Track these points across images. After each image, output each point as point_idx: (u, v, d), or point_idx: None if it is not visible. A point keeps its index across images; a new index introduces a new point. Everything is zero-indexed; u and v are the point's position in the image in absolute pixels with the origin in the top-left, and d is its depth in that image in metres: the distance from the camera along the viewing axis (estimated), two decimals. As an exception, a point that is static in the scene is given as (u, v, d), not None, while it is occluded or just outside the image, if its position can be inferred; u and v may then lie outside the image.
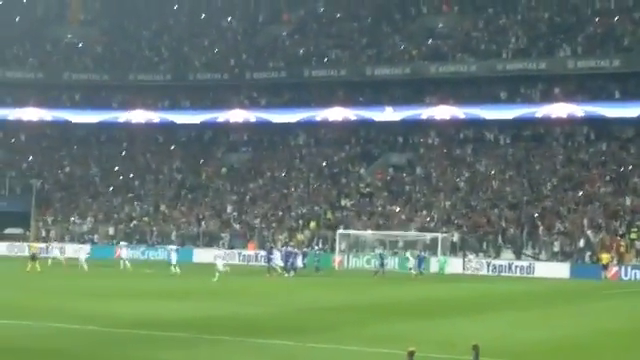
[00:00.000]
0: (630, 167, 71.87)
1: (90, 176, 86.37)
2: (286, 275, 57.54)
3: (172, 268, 56.48)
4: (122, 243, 65.54)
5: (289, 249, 63.38)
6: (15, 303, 37.67)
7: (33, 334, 29.19)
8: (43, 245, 65.68)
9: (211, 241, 74.00)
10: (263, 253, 63.14)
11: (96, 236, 76.57)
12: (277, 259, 59.51)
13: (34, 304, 37.61)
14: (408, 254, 62.49)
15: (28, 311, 34.78)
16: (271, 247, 63.37)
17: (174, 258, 57.74)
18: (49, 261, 61.86)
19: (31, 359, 24.24)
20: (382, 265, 60.36)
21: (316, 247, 68.87)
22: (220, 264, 53.84)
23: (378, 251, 63.69)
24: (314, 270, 61.68)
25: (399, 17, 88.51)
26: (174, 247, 62.05)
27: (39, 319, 32.47)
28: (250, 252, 68.81)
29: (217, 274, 51.56)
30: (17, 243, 74.44)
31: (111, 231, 76.59)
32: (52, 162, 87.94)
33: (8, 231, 76.11)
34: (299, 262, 61.88)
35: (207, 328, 31.09)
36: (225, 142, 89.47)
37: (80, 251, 62.24)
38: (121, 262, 60.69)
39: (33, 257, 57.17)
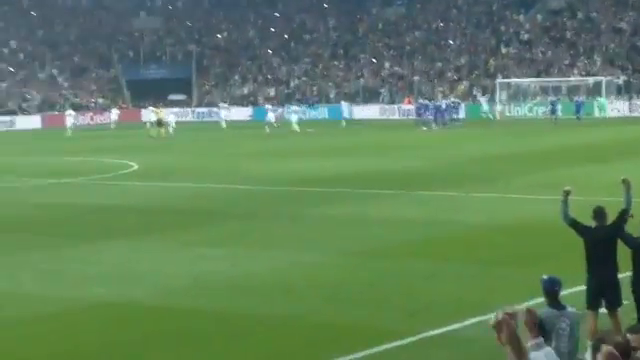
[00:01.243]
0: None
1: (248, 39, 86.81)
2: (434, 128, 57.45)
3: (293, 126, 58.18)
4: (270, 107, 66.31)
5: (449, 101, 63.35)
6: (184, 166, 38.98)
7: (201, 195, 30.46)
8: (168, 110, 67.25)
9: (370, 97, 74.37)
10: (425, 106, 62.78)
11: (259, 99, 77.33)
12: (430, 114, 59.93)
13: (211, 166, 38.93)
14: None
15: (201, 174, 36.08)
16: (421, 102, 63.28)
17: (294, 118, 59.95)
18: (223, 124, 63.50)
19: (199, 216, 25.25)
20: (553, 112, 59.97)
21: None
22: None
23: (550, 98, 63.18)
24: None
25: None
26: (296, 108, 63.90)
27: (216, 181, 33.75)
28: (409, 106, 68.49)
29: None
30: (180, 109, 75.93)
31: (272, 92, 77.41)
32: (209, 27, 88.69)
33: (171, 97, 77.39)
34: (460, 114, 62.00)
35: (370, 183, 31.65)
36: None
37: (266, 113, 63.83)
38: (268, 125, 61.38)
39: (159, 123, 58.51)
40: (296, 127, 59.02)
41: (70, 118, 62.64)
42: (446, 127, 58.64)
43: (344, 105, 65.82)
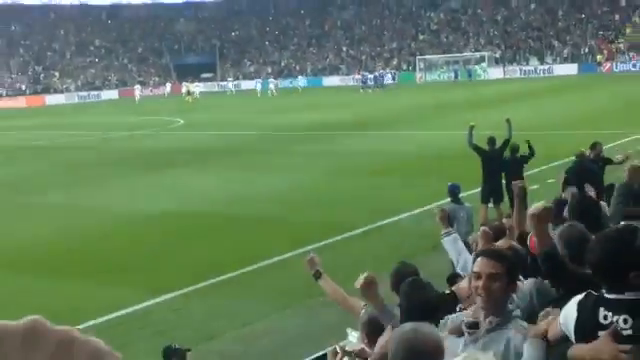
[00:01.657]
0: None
1: (252, 35, 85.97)
2: (370, 91, 57.13)
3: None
4: (271, 80, 65.77)
5: (382, 72, 63.54)
6: (214, 120, 38.91)
7: (228, 138, 30.44)
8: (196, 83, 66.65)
9: (333, 71, 73.95)
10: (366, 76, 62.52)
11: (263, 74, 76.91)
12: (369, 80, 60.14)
13: (232, 120, 38.84)
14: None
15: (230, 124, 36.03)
16: (363, 73, 63.17)
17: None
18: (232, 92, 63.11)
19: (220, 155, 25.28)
20: (456, 77, 60.25)
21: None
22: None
23: (454, 67, 63.29)
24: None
25: None
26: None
27: (236, 129, 33.70)
28: (358, 76, 67.80)
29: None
30: (209, 83, 75.53)
31: (269, 70, 76.93)
32: (227, 28, 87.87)
33: (203, 76, 76.98)
34: (389, 80, 62.12)
35: (333, 128, 31.62)
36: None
37: (257, 84, 63.15)
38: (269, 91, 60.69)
39: (188, 92, 58.53)
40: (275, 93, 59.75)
41: (137, 91, 62.39)
42: (382, 89, 58.42)
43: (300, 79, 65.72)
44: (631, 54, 60.17)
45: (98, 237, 14.85)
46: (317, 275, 5.39)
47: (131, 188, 20.47)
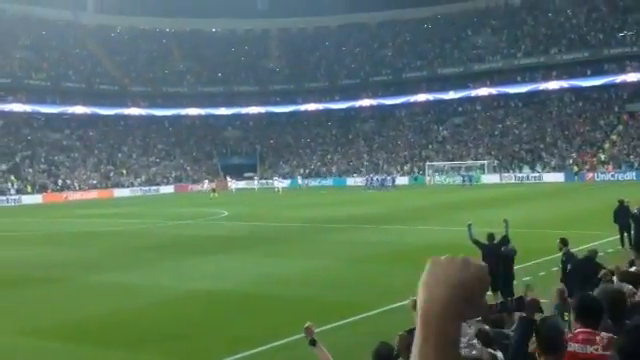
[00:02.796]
0: (587, 117, 68.73)
1: (284, 145, 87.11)
2: (370, 191, 56.99)
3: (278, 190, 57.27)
4: (277, 178, 67.18)
5: (385, 176, 64.42)
6: (252, 213, 38.93)
7: (262, 228, 30.24)
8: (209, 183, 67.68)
9: (356, 173, 74.35)
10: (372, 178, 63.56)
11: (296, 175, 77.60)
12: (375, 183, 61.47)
13: (266, 213, 38.90)
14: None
15: (259, 217, 35.98)
16: (369, 175, 64.64)
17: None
18: (278, 190, 63.26)
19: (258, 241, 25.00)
20: (464, 181, 60.48)
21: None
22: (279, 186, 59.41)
23: (464, 173, 63.40)
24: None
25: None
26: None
27: (267, 221, 33.63)
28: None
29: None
30: (251, 181, 76.10)
31: (302, 171, 77.57)
32: (265, 137, 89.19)
33: (245, 175, 77.78)
34: (396, 182, 62.44)
35: (352, 221, 31.52)
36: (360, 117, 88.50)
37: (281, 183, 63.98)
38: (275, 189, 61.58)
39: (213, 190, 58.69)
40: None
41: (196, 186, 63.44)
42: (380, 190, 57.99)
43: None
44: (606, 167, 60.10)
45: (145, 312, 14.65)
46: (312, 342, 5.27)
47: (178, 269, 20.35)
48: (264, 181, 75.59)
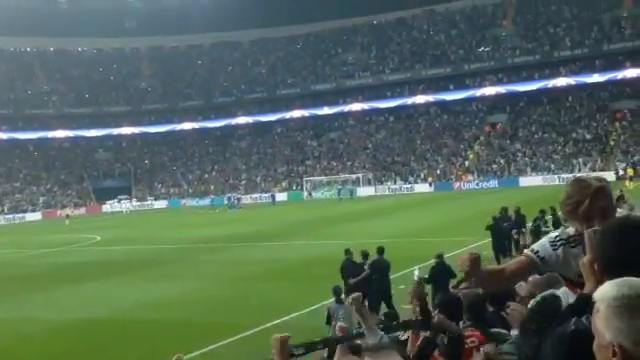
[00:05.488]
0: (452, 128, 72.55)
1: (163, 164, 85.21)
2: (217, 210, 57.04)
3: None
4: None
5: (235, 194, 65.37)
6: (127, 236, 37.55)
7: (137, 252, 29.32)
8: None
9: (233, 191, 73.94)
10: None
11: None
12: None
13: (143, 235, 37.65)
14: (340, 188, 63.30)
15: (143, 239, 34.80)
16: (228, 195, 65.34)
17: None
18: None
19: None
20: (339, 194, 61.24)
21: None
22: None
23: (338, 186, 64.26)
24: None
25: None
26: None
27: (142, 244, 32.64)
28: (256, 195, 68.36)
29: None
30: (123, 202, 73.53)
31: (177, 191, 75.86)
32: (140, 158, 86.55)
33: (120, 197, 75.08)
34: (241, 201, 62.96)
35: (232, 240, 31.28)
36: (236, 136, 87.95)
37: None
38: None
39: (67, 216, 57.19)
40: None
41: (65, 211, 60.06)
42: (234, 210, 57.71)
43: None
44: (470, 177, 63.51)
45: (11, 348, 13.81)
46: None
47: (48, 300, 19.32)
48: (138, 203, 73.41)
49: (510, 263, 3.14)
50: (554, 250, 2.84)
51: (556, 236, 2.88)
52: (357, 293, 5.28)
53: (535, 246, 2.95)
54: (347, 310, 11.00)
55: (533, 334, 2.50)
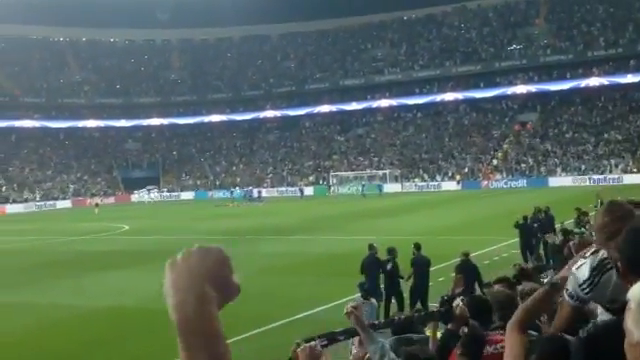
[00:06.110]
0: (481, 127, 71.84)
1: (191, 155, 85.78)
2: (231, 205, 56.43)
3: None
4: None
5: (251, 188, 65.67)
6: (155, 226, 37.77)
7: (161, 242, 29.59)
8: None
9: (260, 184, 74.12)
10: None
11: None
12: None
13: (166, 225, 37.85)
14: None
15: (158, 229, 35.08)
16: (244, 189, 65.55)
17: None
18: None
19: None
20: (362, 190, 60.96)
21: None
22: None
23: (363, 182, 64.02)
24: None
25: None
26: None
27: (170, 234, 32.86)
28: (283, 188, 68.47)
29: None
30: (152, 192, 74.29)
31: (199, 182, 76.29)
32: (168, 149, 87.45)
33: (148, 187, 75.65)
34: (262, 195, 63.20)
35: (255, 232, 31.34)
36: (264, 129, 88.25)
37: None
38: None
39: (96, 205, 57.50)
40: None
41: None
42: (252, 203, 57.77)
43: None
44: (498, 176, 62.88)
45: (38, 332, 13.97)
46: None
47: (76, 287, 19.53)
48: (167, 194, 74.01)
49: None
50: (586, 295, 2.90)
51: (584, 281, 2.88)
52: (357, 302, 5.27)
53: (570, 288, 2.95)
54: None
55: None
